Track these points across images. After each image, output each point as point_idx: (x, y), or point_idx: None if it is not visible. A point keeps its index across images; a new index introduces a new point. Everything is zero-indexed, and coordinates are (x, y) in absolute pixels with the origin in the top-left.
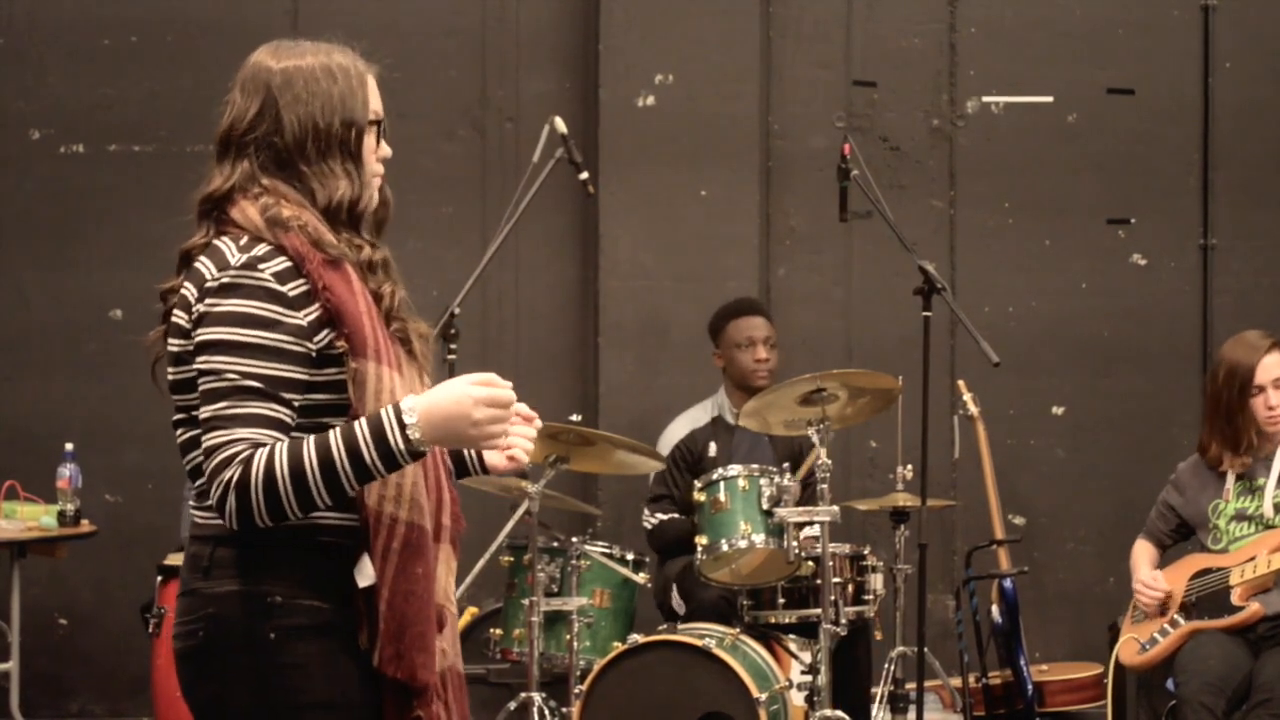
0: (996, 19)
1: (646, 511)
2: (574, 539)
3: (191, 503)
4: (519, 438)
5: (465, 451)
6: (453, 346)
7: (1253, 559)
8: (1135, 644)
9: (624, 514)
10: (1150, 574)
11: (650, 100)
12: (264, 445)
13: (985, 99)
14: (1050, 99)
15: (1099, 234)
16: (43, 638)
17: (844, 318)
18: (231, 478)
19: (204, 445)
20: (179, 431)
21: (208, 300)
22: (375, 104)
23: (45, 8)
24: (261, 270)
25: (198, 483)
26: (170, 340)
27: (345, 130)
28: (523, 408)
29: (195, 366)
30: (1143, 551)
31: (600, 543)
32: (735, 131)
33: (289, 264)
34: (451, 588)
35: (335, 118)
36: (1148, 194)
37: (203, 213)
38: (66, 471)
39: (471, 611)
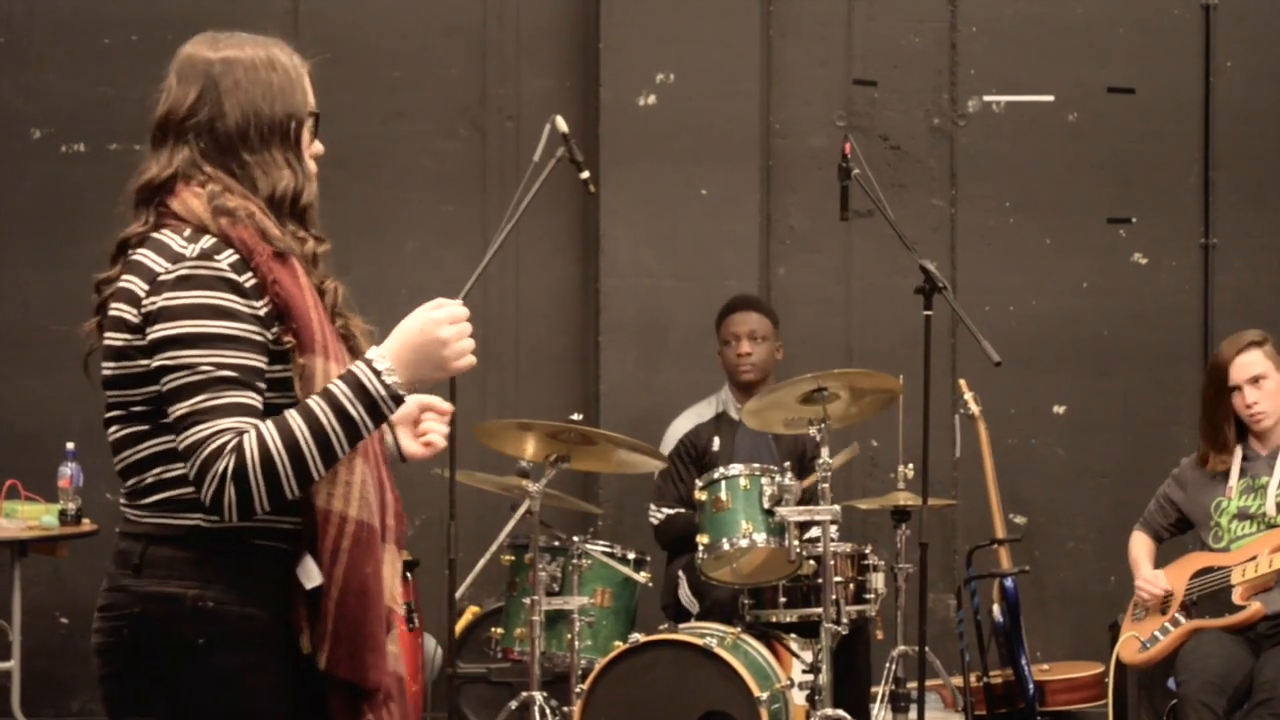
0: (997, 18)
1: (652, 507)
2: (575, 538)
3: (122, 501)
4: (434, 425)
5: (387, 440)
6: None
7: (1254, 558)
8: (1136, 642)
9: (625, 513)
10: (1154, 572)
11: (651, 99)
12: (248, 431)
13: (986, 98)
14: (1051, 98)
15: (1100, 233)
16: (44, 637)
17: (845, 317)
18: (226, 468)
19: (184, 443)
20: (113, 429)
21: (165, 294)
22: (311, 100)
23: (45, 6)
24: (218, 260)
25: (130, 481)
26: (109, 334)
27: (286, 120)
28: (438, 402)
29: (156, 363)
30: (1142, 545)
31: (601, 542)
32: (736, 130)
33: (237, 256)
34: (397, 589)
35: (277, 106)
36: (1148, 193)
37: (140, 201)
38: (68, 470)
39: (473, 610)
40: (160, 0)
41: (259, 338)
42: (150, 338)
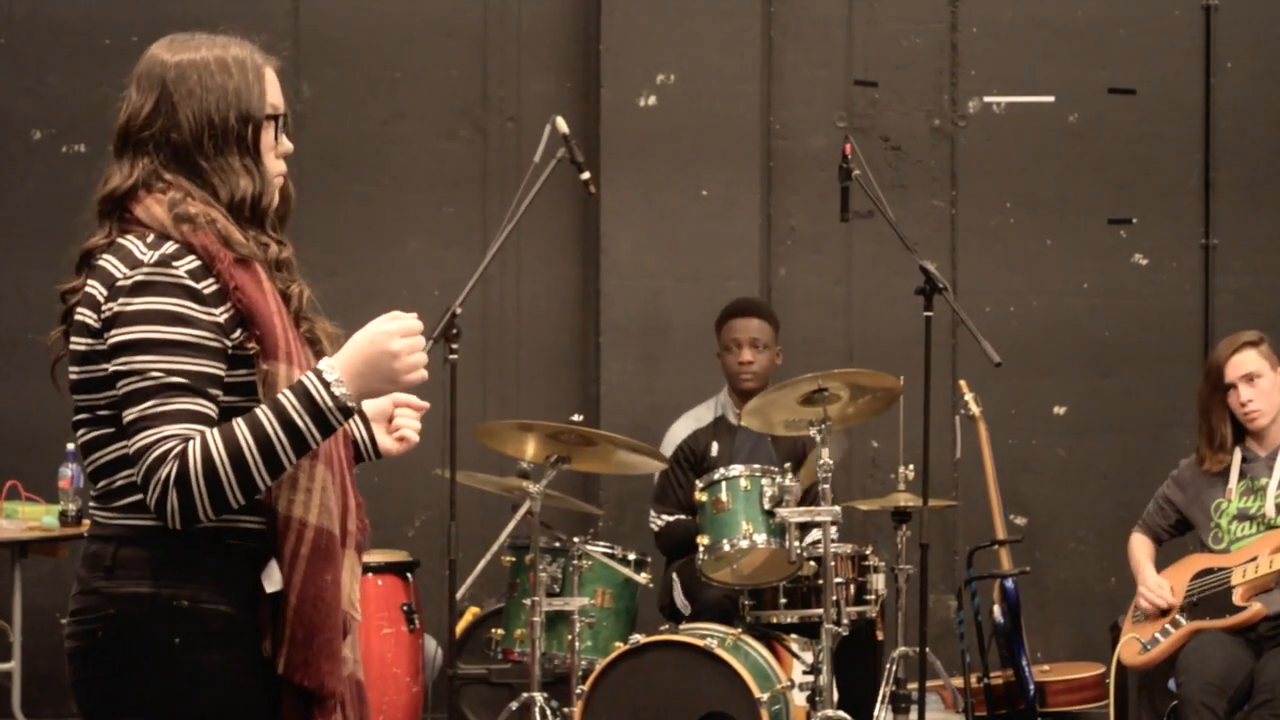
0: (997, 19)
1: (652, 513)
2: (575, 539)
3: (92, 503)
4: (407, 420)
5: (359, 438)
6: (454, 347)
7: (1254, 559)
8: (1137, 644)
9: (625, 514)
10: (1158, 580)
11: (651, 100)
12: (193, 438)
13: (986, 99)
14: (1051, 99)
15: (1100, 234)
16: (44, 638)
17: (845, 317)
18: (169, 474)
19: (134, 447)
20: (80, 432)
21: (121, 299)
22: (274, 98)
23: (46, 7)
24: (176, 267)
25: (100, 484)
26: (74, 339)
27: (242, 125)
28: (411, 398)
29: (112, 367)
30: (1143, 548)
31: (602, 543)
32: (736, 131)
33: (199, 263)
34: (356, 594)
35: (230, 112)
36: (1149, 194)
37: (104, 212)
38: (68, 471)
39: (473, 611)
40: (161, 2)
41: (216, 344)
42: (109, 342)
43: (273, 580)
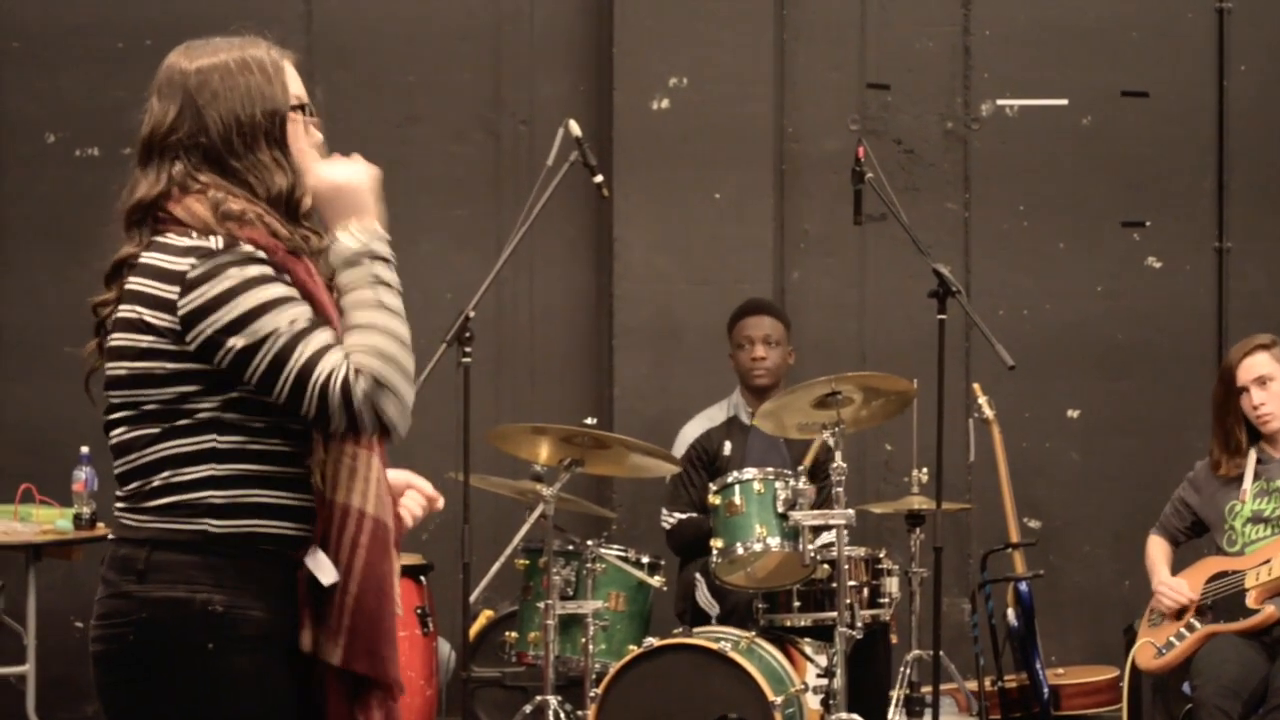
0: (1010, 22)
1: (665, 511)
2: (589, 542)
3: (121, 505)
4: (412, 503)
5: None
6: (467, 349)
7: (1268, 561)
8: (1152, 648)
9: (639, 517)
10: (1174, 579)
11: (664, 103)
12: (352, 353)
13: (999, 102)
14: (1064, 102)
15: (1114, 237)
16: (58, 640)
17: (858, 320)
18: (365, 389)
19: (312, 401)
20: (118, 431)
21: (201, 287)
22: (297, 88)
23: (59, 11)
24: (242, 247)
25: (132, 485)
26: (120, 335)
27: (268, 120)
28: (425, 485)
29: (228, 348)
30: (1159, 549)
31: (615, 546)
32: (749, 134)
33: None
34: (398, 589)
35: (256, 109)
36: (1163, 197)
37: (133, 221)
38: (82, 474)
39: (487, 614)
40: (175, 5)
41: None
42: (206, 333)
43: (326, 572)
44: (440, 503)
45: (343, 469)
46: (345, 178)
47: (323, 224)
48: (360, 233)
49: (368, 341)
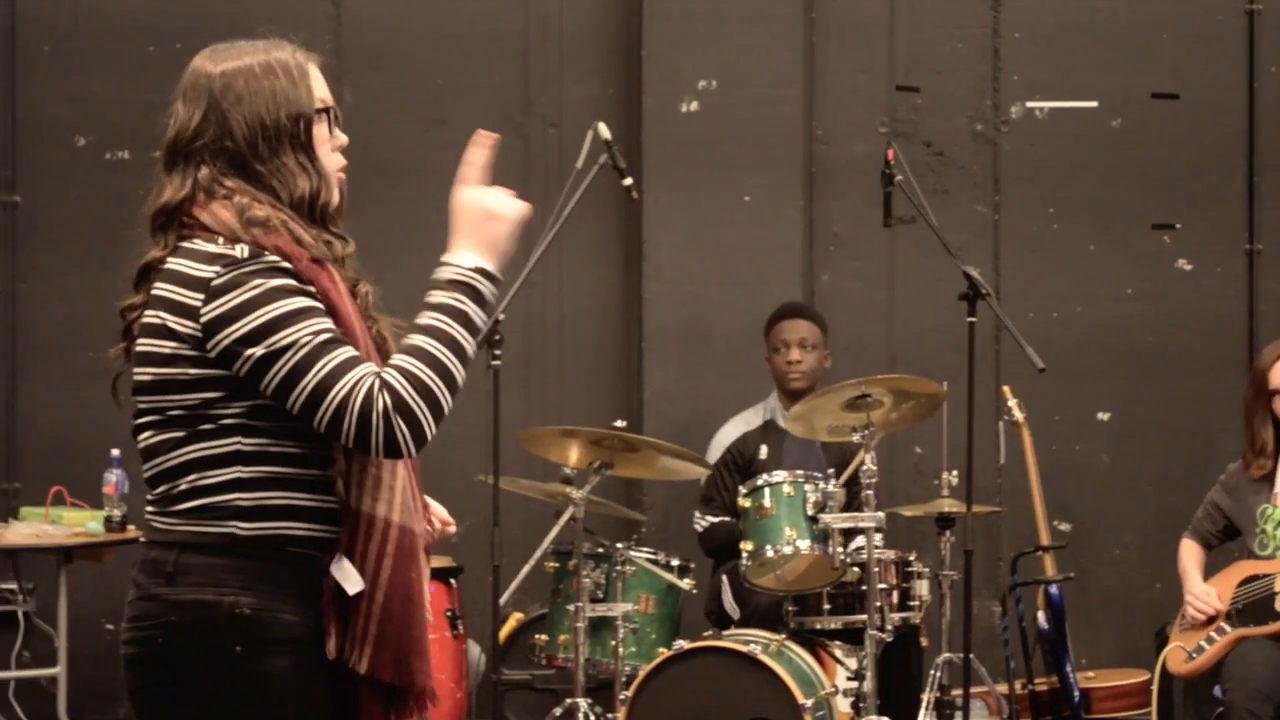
0: (1040, 23)
1: (697, 514)
2: (619, 545)
3: (150, 509)
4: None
5: None
6: (496, 353)
7: None
8: (1182, 653)
9: (669, 520)
10: (1204, 588)
11: (694, 106)
12: (384, 370)
13: (1029, 104)
14: (1094, 104)
15: (1144, 239)
16: (90, 643)
17: (888, 323)
18: (386, 405)
19: (328, 409)
20: (146, 435)
21: (226, 295)
22: (322, 92)
23: (90, 15)
24: (267, 256)
25: (161, 488)
26: (145, 340)
27: (293, 124)
28: (442, 512)
29: (247, 357)
30: (1191, 554)
31: (645, 549)
32: (778, 137)
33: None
34: (427, 596)
35: (281, 112)
36: (1193, 199)
37: (158, 226)
38: (113, 477)
39: (517, 617)
40: (204, 8)
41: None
42: (225, 342)
43: (352, 580)
44: (452, 528)
45: (368, 477)
46: (498, 208)
47: (450, 233)
48: (474, 260)
49: (408, 364)
